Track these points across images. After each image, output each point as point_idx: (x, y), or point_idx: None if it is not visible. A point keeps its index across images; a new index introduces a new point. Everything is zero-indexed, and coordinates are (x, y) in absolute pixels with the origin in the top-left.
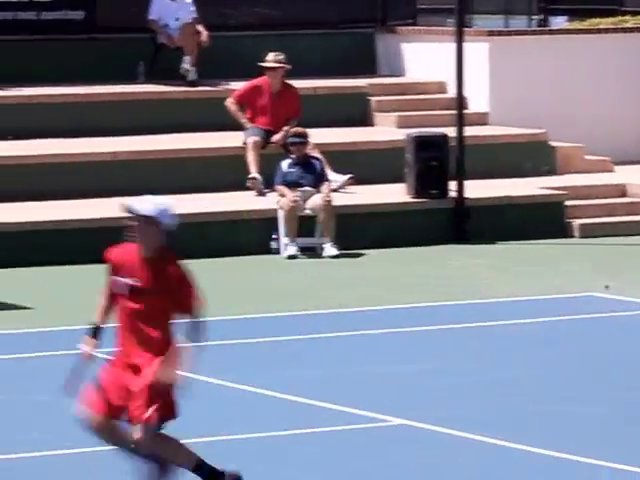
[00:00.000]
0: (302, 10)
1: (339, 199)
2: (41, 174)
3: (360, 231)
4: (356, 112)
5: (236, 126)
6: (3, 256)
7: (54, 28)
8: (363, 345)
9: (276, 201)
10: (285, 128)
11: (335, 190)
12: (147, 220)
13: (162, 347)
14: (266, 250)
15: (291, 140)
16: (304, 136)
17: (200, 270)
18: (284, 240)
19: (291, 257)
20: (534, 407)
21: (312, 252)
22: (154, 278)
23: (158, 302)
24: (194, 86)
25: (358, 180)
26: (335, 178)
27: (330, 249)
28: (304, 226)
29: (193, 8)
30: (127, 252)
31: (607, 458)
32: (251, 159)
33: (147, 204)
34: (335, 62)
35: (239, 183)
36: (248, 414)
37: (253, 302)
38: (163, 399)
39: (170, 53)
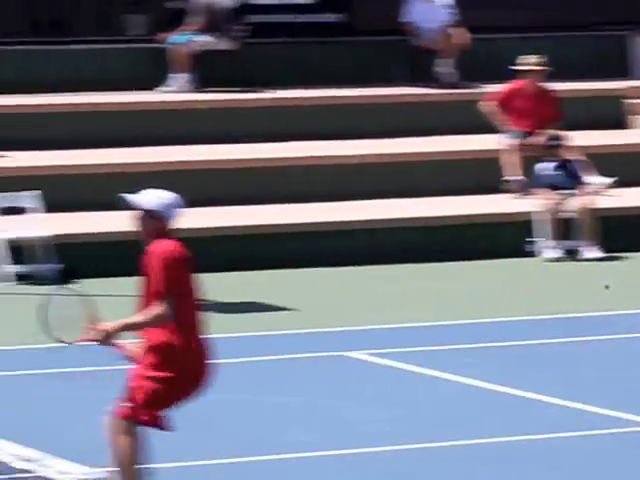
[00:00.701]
0: (558, 12)
1: (601, 201)
2: (286, 176)
3: (623, 233)
4: (612, 115)
5: (493, 128)
6: (278, 258)
7: (313, 30)
8: (621, 348)
9: (536, 204)
10: (543, 131)
11: (596, 193)
12: (149, 214)
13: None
14: (522, 253)
15: (549, 143)
16: (561, 139)
17: (458, 272)
18: (547, 243)
19: (553, 260)
20: None
21: (572, 255)
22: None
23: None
24: (452, 88)
25: (619, 183)
26: (598, 181)
27: (592, 252)
28: (563, 229)
29: (451, 10)
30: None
31: None
32: (509, 161)
33: (150, 197)
34: (590, 64)
35: (495, 186)
36: (510, 416)
37: (520, 304)
38: (143, 400)
39: (427, 55)
